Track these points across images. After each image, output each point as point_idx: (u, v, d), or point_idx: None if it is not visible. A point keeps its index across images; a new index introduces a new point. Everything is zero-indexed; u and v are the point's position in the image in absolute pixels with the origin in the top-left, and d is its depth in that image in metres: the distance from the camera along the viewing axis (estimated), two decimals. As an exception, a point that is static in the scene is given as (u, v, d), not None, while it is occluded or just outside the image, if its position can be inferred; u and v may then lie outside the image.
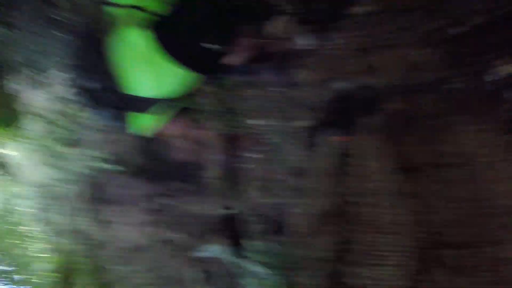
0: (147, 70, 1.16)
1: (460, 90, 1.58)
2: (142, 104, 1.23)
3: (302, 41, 1.68)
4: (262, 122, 2.09)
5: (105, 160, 2.80)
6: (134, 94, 1.20)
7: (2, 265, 3.37)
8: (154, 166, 1.28)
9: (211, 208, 2.69)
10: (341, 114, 1.53)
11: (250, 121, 2.12)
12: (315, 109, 1.69)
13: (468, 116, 1.05)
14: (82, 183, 2.98)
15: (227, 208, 2.48)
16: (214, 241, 2.64)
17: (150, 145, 1.25)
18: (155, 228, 2.95)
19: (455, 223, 0.74)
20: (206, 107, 2.25)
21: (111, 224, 3.14)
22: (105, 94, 1.22)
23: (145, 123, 1.24)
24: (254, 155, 2.30)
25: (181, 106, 1.25)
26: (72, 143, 2.87)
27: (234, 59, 1.42)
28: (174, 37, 1.16)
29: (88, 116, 1.67)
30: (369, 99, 1.44)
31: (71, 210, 3.27)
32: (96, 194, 3.09)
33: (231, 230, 2.56)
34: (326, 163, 1.10)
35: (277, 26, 1.73)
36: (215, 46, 1.67)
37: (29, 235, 3.42)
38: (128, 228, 3.05)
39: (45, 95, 2.61)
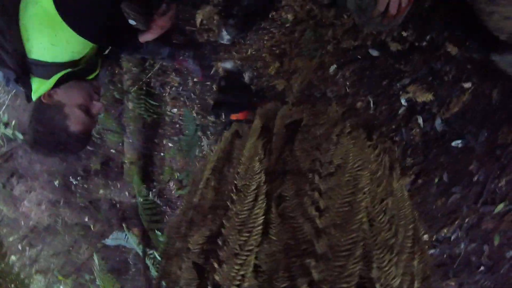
0: (45, 33, 1.10)
1: (362, 108, 1.69)
2: (37, 67, 1.17)
3: (223, 34, 1.68)
4: (177, 110, 2.08)
5: (10, 126, 2.59)
6: (33, 58, 1.13)
7: None
8: (53, 139, 1.21)
9: (121, 193, 2.60)
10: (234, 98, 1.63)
11: (166, 108, 2.10)
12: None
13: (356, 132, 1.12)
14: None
15: (137, 195, 2.42)
16: (122, 229, 2.56)
17: (46, 113, 1.18)
18: (61, 208, 2.78)
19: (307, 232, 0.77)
20: (119, 84, 2.20)
21: (20, 200, 2.91)
22: (5, 54, 1.14)
23: (38, 87, 1.18)
24: (170, 144, 2.28)
25: (78, 75, 1.21)
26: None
27: (147, 36, 1.40)
28: (75, 5, 1.12)
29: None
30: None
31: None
32: (5, 165, 2.87)
33: (139, 218, 2.49)
34: (216, 154, 1.10)
35: (200, 15, 1.73)
36: (132, 22, 1.64)
37: None
38: (33, 206, 2.84)
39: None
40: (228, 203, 0.89)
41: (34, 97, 1.19)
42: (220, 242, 0.84)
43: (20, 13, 1.10)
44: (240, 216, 0.85)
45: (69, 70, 1.17)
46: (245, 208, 0.86)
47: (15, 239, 3.11)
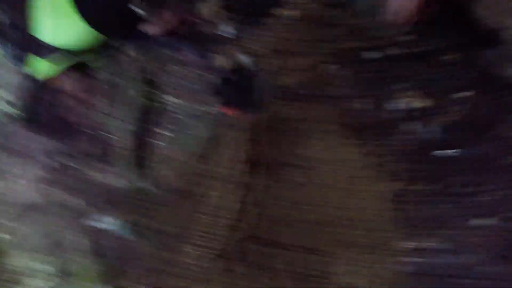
0: (52, 16, 1.11)
1: (359, 109, 1.69)
2: (42, 49, 1.18)
3: (224, 28, 1.70)
4: (177, 100, 2.09)
5: (10, 103, 2.62)
6: (38, 37, 1.14)
7: None
8: (51, 118, 1.22)
9: (114, 178, 2.63)
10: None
11: (166, 97, 2.11)
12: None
13: (340, 129, 1.12)
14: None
15: (130, 181, 2.43)
16: (111, 213, 2.57)
17: (47, 94, 1.19)
18: (53, 188, 2.81)
19: (279, 223, 0.77)
20: (122, 72, 2.21)
21: (8, 176, 2.94)
22: (12, 30, 1.15)
23: (41, 69, 1.19)
24: (166, 133, 2.29)
25: (82, 61, 1.21)
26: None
27: (153, 29, 1.40)
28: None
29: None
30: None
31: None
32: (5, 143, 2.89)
33: (131, 204, 2.51)
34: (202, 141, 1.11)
35: (205, 8, 1.74)
36: (139, 11, 1.64)
37: None
38: (25, 183, 2.87)
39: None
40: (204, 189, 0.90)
41: (40, 75, 1.19)
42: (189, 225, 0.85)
43: None
44: (214, 201, 0.86)
45: (79, 59, 1.18)
46: (221, 194, 0.87)
47: (5, 216, 3.10)
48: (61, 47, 1.15)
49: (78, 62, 1.18)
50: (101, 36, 1.20)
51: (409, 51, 1.60)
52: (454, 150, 1.62)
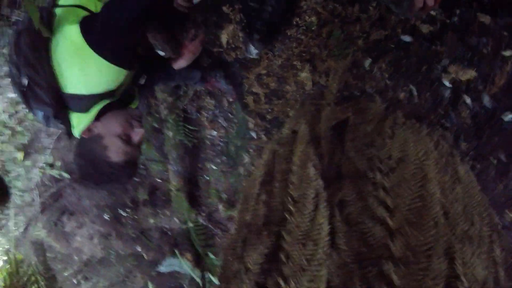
0: (78, 64, 1.13)
1: (405, 98, 1.61)
2: (76, 102, 1.19)
3: (250, 50, 1.69)
4: (215, 132, 2.09)
5: (56, 167, 2.71)
6: (69, 92, 1.16)
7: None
8: (98, 172, 1.21)
9: (171, 220, 2.63)
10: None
11: (203, 132, 2.12)
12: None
13: (408, 121, 1.06)
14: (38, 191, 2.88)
15: (187, 221, 2.43)
16: (175, 255, 2.57)
17: (88, 147, 1.19)
18: (109, 240, 2.85)
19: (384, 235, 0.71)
20: (158, 114, 2.25)
21: (72, 236, 3.03)
22: (40, 91, 1.18)
23: (80, 123, 1.20)
24: (213, 166, 2.29)
25: (117, 106, 1.22)
26: (23, 147, 2.74)
27: (181, 63, 1.42)
28: (102, 33, 1.15)
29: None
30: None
31: (28, 220, 3.14)
32: (55, 204, 2.99)
33: (191, 243, 2.50)
34: (263, 169, 1.08)
35: (223, 34, 1.74)
36: (160, 52, 1.67)
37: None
38: (83, 240, 2.93)
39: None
40: (287, 215, 0.85)
41: (75, 132, 1.20)
42: (282, 258, 0.80)
43: (51, 51, 1.13)
44: (302, 228, 0.81)
45: (107, 101, 1.18)
46: (306, 219, 0.81)
47: (70, 273, 3.20)
48: (92, 93, 1.16)
49: (113, 104, 1.17)
50: (127, 73, 1.20)
51: (440, 25, 1.53)
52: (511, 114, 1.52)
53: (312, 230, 0.80)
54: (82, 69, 1.10)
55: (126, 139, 1.18)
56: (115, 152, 1.17)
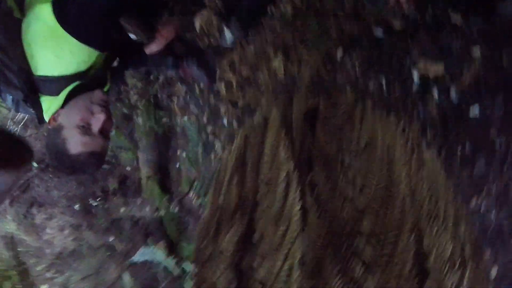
0: (49, 46, 1.09)
1: (374, 89, 1.67)
2: (47, 85, 1.15)
3: (225, 37, 1.68)
4: (186, 118, 2.07)
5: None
6: (40, 74, 1.12)
7: None
8: (61, 164, 1.16)
9: (142, 209, 2.60)
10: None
11: (174, 118, 2.09)
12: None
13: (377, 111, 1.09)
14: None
15: (159, 209, 2.41)
16: (148, 244, 2.55)
17: (51, 138, 1.14)
18: (80, 232, 2.78)
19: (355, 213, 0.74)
20: (128, 100, 2.20)
21: (42, 229, 2.91)
22: (11, 74, 1.13)
23: (52, 106, 1.16)
24: (184, 154, 2.28)
25: (87, 87, 1.18)
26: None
27: (153, 48, 1.39)
28: (75, 14, 1.12)
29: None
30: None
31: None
32: (23, 195, 2.87)
33: (164, 232, 2.48)
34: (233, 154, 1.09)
35: (198, 20, 1.72)
36: (132, 36, 1.63)
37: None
38: (53, 232, 2.84)
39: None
40: (259, 197, 0.88)
41: (46, 117, 1.16)
42: (256, 238, 0.83)
43: (22, 32, 1.09)
44: (274, 208, 0.83)
45: (77, 82, 1.15)
46: (278, 199, 0.84)
47: (43, 268, 3.11)
48: (64, 75, 1.12)
49: (84, 86, 1.14)
50: (99, 54, 1.17)
51: (412, 23, 1.58)
52: (476, 108, 1.60)
53: (284, 210, 0.82)
54: (53, 50, 1.07)
55: (86, 128, 1.12)
56: (74, 144, 1.11)
